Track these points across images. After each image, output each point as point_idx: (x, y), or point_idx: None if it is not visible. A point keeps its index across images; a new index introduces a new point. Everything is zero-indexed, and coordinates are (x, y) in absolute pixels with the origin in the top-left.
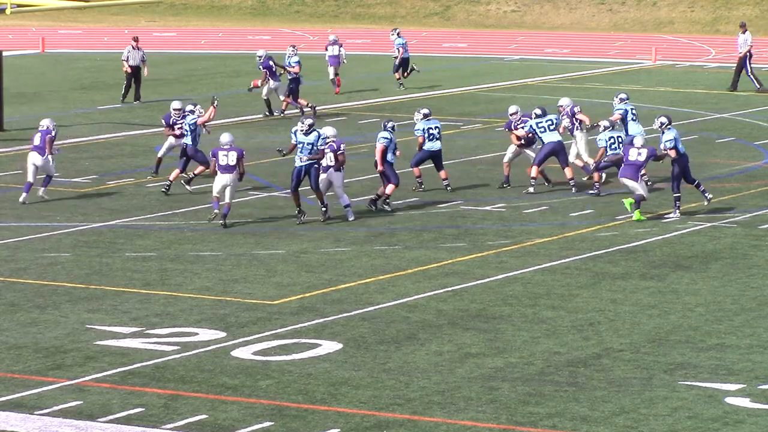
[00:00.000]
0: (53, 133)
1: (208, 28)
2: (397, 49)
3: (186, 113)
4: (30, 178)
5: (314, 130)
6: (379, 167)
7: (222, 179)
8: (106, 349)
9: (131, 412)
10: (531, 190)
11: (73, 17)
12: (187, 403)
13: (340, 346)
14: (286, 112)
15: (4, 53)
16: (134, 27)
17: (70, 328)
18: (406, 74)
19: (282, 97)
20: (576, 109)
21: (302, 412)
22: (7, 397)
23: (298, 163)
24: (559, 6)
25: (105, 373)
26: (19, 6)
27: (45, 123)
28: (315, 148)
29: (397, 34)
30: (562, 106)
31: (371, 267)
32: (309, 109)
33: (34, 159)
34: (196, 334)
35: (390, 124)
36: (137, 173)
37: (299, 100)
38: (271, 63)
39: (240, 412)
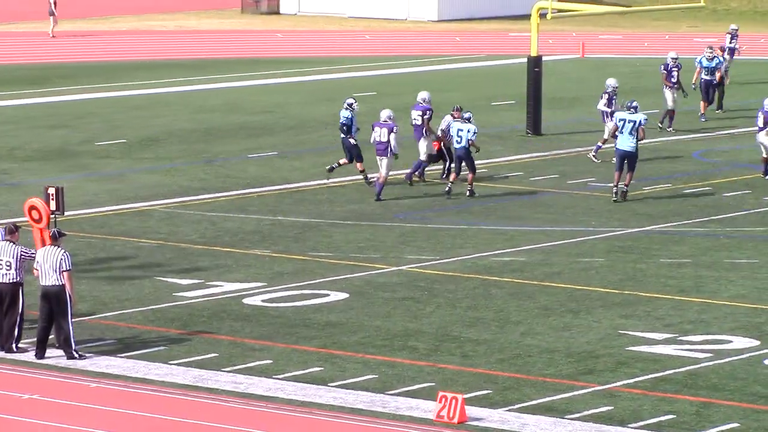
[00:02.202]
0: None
1: (749, 33)
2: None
3: None
4: (765, 154)
5: None
6: None
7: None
8: (638, 354)
9: (662, 418)
10: None
11: (614, 22)
12: (720, 411)
13: None
14: None
15: (544, 58)
16: (675, 32)
17: (603, 333)
18: None
19: None
20: None
21: None
22: (539, 400)
23: None
24: None
25: (636, 379)
26: (559, 11)
27: None
28: None
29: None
30: None
31: None
32: None
33: (762, 139)
34: (730, 341)
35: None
36: (674, 179)
37: None
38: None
39: None
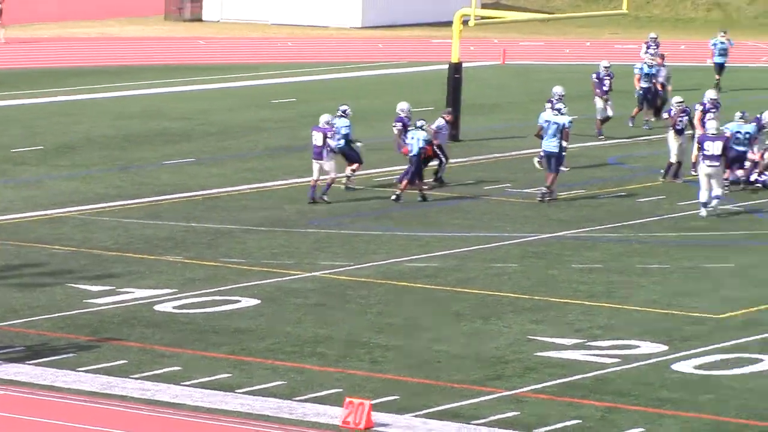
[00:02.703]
0: None
1: (671, 40)
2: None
3: None
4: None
5: None
6: None
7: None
8: (546, 360)
9: (568, 423)
10: None
11: (537, 29)
12: (625, 416)
13: None
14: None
15: (465, 64)
16: (597, 39)
17: (512, 339)
18: None
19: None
20: None
21: (742, 428)
22: (446, 406)
23: None
24: None
25: (544, 384)
26: (482, 18)
27: None
28: None
29: None
30: None
31: None
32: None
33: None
34: (638, 347)
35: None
36: (589, 185)
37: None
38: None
39: (678, 426)
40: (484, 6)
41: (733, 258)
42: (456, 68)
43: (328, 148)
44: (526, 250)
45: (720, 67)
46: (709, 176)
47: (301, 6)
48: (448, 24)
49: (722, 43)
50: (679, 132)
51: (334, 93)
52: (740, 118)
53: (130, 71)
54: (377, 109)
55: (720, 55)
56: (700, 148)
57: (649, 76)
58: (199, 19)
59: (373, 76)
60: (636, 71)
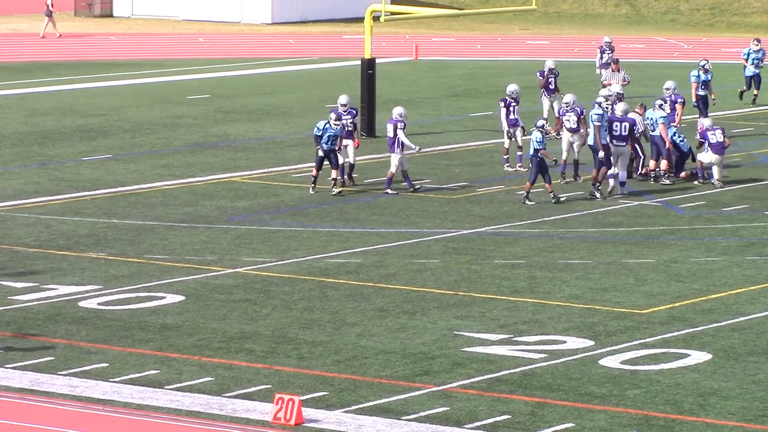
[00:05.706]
0: None
1: (581, 36)
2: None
3: None
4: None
5: None
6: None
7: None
8: (473, 355)
9: (498, 419)
10: None
11: (447, 25)
12: (554, 411)
13: (709, 356)
14: None
15: (378, 60)
16: (508, 35)
17: (438, 334)
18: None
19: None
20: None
21: (670, 422)
22: (375, 402)
23: None
24: None
25: (472, 380)
26: (392, 14)
27: None
28: None
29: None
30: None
31: (743, 277)
32: None
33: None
34: (564, 342)
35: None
36: (507, 180)
37: None
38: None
39: (607, 421)
40: (393, 2)
41: (652, 253)
42: (369, 64)
43: (399, 141)
44: (447, 245)
45: (752, 79)
46: (616, 155)
47: (211, 2)
48: (359, 20)
49: (756, 52)
50: (572, 131)
51: (248, 89)
52: (659, 107)
53: (41, 67)
54: (292, 104)
55: (754, 66)
56: (610, 129)
57: (705, 84)
58: (110, 15)
59: (286, 71)
60: (693, 79)
